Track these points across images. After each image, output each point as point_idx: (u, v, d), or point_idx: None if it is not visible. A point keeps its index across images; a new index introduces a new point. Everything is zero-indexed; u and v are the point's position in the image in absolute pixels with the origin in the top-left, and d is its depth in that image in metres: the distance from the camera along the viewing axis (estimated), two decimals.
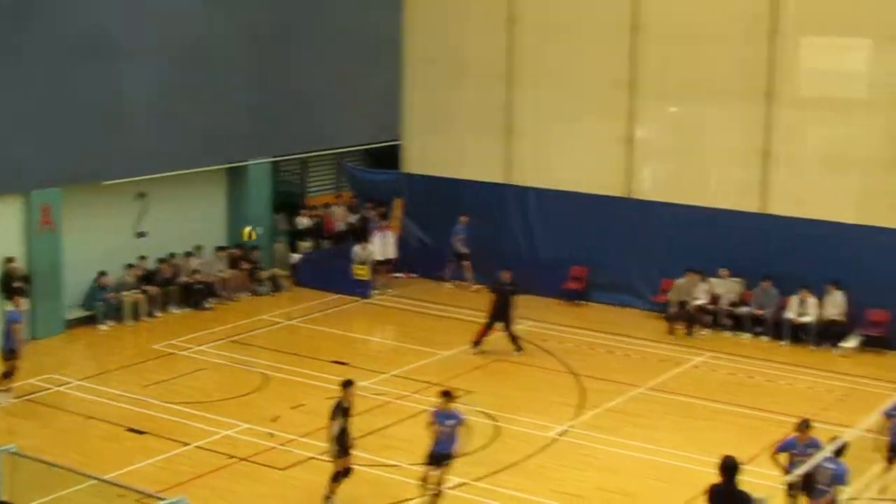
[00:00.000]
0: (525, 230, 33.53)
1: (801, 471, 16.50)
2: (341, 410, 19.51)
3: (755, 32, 29.75)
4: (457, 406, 19.50)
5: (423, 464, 19.25)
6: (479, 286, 31.93)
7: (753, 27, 29.78)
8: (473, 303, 30.55)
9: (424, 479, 19.25)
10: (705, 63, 30.81)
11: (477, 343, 27.88)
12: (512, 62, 33.35)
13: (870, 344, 28.71)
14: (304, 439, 22.26)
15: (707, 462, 20.13)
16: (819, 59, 30.51)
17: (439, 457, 18.99)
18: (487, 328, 27.91)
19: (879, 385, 25.46)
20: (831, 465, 16.46)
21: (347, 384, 19.82)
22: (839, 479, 16.61)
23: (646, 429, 23.27)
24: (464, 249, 32.97)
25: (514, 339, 27.89)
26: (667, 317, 30.12)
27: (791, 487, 17.08)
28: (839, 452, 16.85)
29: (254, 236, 29.05)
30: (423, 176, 35.15)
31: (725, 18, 30.43)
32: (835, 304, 28.97)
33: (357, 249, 33.20)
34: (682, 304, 29.94)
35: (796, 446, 17.48)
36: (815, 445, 17.26)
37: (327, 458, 19.94)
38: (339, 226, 36.82)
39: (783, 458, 17.72)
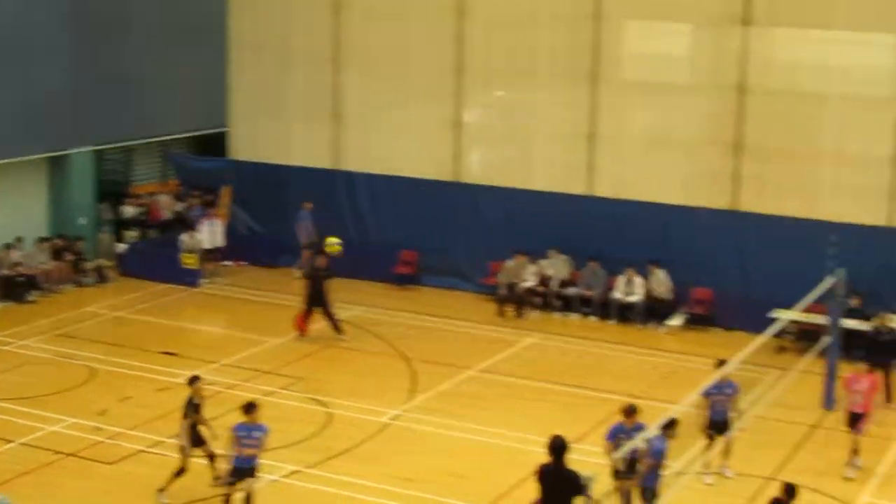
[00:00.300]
0: (354, 216, 33.41)
1: (623, 451, 16.65)
2: (192, 407, 19.26)
3: (579, 16, 30.10)
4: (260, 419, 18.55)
5: (225, 482, 18.39)
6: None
7: (578, 11, 30.12)
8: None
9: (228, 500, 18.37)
10: (531, 47, 31.07)
11: (302, 332, 27.74)
12: (338, 47, 33.20)
13: (694, 322, 29.32)
14: (132, 432, 21.89)
15: (538, 442, 20.34)
16: (642, 42, 31.07)
17: (243, 472, 18.15)
18: (307, 315, 27.78)
19: (703, 362, 25.92)
20: (655, 442, 16.67)
21: (193, 380, 19.58)
22: (656, 454, 16.82)
23: (477, 410, 23.40)
24: (308, 238, 32.45)
25: (334, 323, 27.80)
26: (496, 299, 30.34)
27: (618, 473, 17.27)
28: (667, 427, 17.09)
29: (336, 249, 27.50)
30: (250, 163, 34.78)
31: (550, 2, 30.74)
32: (658, 283, 29.52)
33: (184, 238, 32.74)
34: (512, 286, 30.20)
35: (623, 430, 17.66)
36: (641, 429, 17.46)
37: (159, 452, 19.64)
38: (166, 214, 36.27)
39: (612, 445, 17.76)
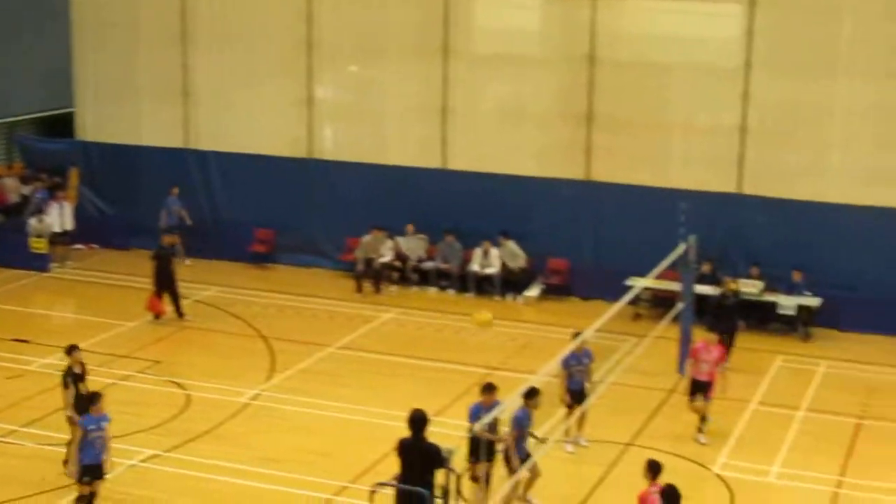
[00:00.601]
0: (207, 195, 33.00)
1: (482, 422, 16.55)
2: (72, 377, 18.90)
3: None
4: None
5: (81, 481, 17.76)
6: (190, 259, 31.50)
7: None
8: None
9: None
10: (382, 21, 30.99)
11: (158, 314, 27.36)
12: (186, 25, 32.68)
13: (551, 292, 29.59)
14: None
15: (398, 417, 20.34)
16: (492, 16, 31.14)
17: (94, 469, 17.63)
18: (158, 296, 27.39)
19: (560, 331, 26.19)
20: (516, 412, 16.71)
21: (72, 349, 19.37)
22: (518, 423, 16.88)
23: (337, 387, 23.34)
24: (171, 222, 31.64)
25: (177, 305, 27.48)
26: (354, 275, 30.26)
27: (474, 454, 17.05)
28: (529, 396, 17.13)
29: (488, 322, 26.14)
30: (99, 144, 34.13)
31: None
32: (510, 255, 29.71)
33: (33, 222, 31.98)
34: (369, 261, 30.14)
35: (483, 409, 17.54)
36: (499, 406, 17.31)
37: (13, 441, 19.23)
38: (12, 198, 35.31)
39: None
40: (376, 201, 31.08)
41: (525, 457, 17.31)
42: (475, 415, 17.35)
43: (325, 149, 32.09)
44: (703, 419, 21.25)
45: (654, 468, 15.18)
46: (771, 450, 20.70)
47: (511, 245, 29.81)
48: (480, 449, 16.65)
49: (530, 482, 18.04)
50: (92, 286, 30.47)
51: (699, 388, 21.20)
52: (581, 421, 20.66)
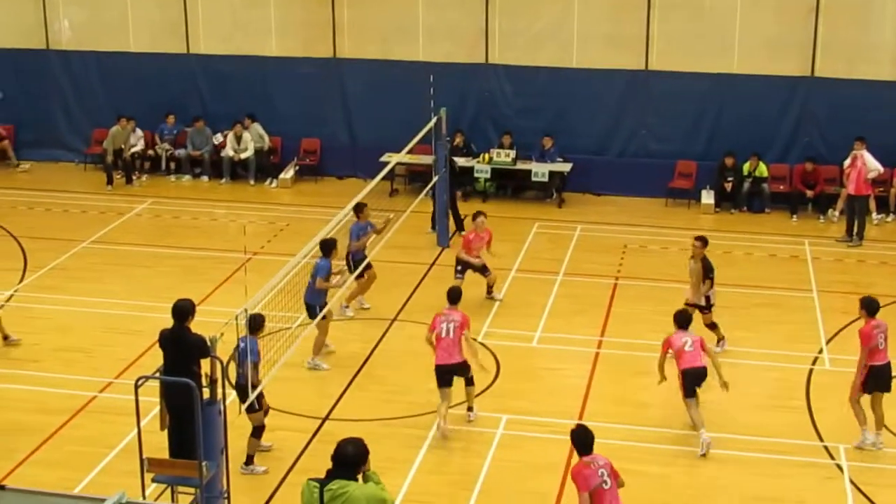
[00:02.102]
0: None
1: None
2: None
3: None
4: None
5: None
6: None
7: None
8: None
9: None
10: None
11: None
12: None
13: (305, 173, 29.46)
14: None
15: (160, 308, 20.10)
16: None
17: None
18: None
19: (316, 211, 26.18)
20: (241, 343, 16.03)
21: None
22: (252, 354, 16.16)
23: (94, 283, 22.85)
24: None
25: None
26: (104, 167, 29.50)
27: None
28: (252, 329, 16.42)
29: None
30: None
31: None
32: (257, 137, 29.42)
33: None
34: (118, 152, 29.40)
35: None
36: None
37: None
38: None
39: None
40: (121, 90, 30.28)
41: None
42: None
43: (63, 38, 31.03)
44: (490, 287, 22.01)
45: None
46: (533, 315, 21.17)
47: (256, 127, 29.49)
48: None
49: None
50: None
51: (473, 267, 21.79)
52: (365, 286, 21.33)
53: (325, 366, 19.25)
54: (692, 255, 19.52)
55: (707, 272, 19.23)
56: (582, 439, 13.06)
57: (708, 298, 19.35)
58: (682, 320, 17.02)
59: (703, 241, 19.51)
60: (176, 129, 30.12)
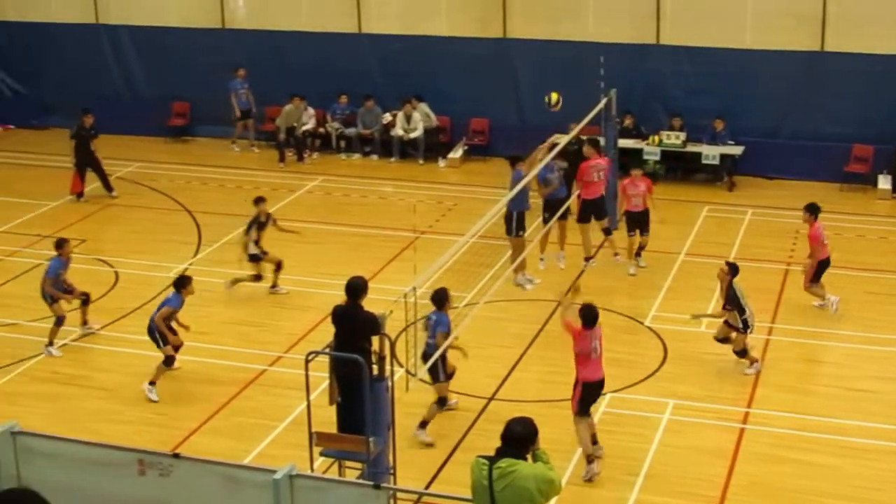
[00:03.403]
0: (122, 71, 32.50)
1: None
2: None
3: None
4: None
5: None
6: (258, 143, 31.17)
7: None
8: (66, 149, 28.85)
9: None
10: None
11: (80, 194, 26.97)
12: None
13: (473, 153, 29.53)
14: None
15: (329, 285, 20.45)
16: None
17: None
18: (80, 176, 26.98)
19: (484, 191, 26.25)
20: (433, 316, 16.30)
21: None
22: (441, 326, 16.48)
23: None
24: (243, 106, 30.92)
25: (104, 181, 27.12)
26: (276, 145, 29.97)
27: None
28: (439, 304, 16.70)
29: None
30: (7, 22, 33.35)
31: None
32: (424, 117, 29.54)
33: None
34: (291, 130, 29.84)
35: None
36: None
37: None
38: None
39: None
40: (293, 68, 30.67)
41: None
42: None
43: (237, 17, 31.58)
44: (640, 249, 22.25)
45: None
46: (701, 298, 20.91)
47: (423, 107, 29.63)
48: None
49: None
50: (11, 167, 29.99)
51: (635, 221, 22.16)
52: (562, 233, 22.40)
53: (534, 280, 21.18)
54: (718, 277, 18.59)
55: (729, 301, 18.09)
56: (588, 313, 15.32)
57: (745, 322, 18.10)
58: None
59: (732, 268, 18.29)
60: (348, 108, 30.41)
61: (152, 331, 18.02)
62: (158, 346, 17.95)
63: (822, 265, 20.39)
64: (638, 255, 22.33)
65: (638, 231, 22.22)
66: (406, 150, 29.84)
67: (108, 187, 27.13)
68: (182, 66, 31.81)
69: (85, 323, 19.98)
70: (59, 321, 19.40)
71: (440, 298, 16.20)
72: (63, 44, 32.58)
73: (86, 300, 19.87)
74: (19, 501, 6.76)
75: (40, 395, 18.04)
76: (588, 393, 15.53)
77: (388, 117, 29.91)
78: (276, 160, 29.64)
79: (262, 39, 31.09)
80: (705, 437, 16.35)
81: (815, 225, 20.16)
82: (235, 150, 30.86)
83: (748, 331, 18.21)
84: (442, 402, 16.54)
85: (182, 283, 18.31)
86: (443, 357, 16.13)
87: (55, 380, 18.50)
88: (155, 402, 17.70)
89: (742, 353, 18.35)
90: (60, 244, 19.68)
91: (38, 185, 28.11)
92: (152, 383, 17.89)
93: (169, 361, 17.98)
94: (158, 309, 18.06)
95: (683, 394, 17.64)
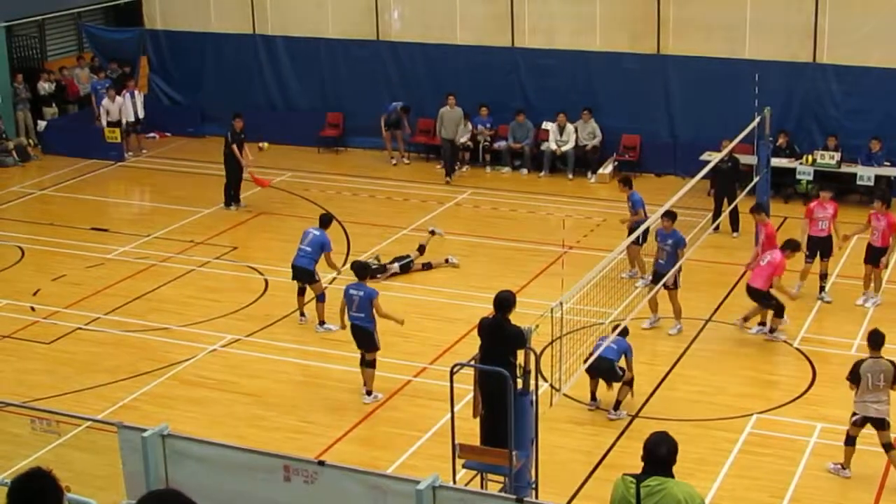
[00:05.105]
0: (277, 80, 33.00)
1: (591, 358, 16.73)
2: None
3: None
4: None
5: None
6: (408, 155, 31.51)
7: None
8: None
9: None
10: None
11: (237, 201, 27.41)
12: None
13: (623, 168, 29.36)
14: (67, 311, 21.67)
15: (476, 298, 20.52)
16: None
17: None
18: (236, 183, 27.37)
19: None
20: (613, 346, 17.28)
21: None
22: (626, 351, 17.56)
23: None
24: (392, 116, 30.92)
25: (236, 191, 27.52)
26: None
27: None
28: (622, 333, 17.53)
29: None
30: (167, 31, 34.12)
31: None
32: (591, 132, 29.43)
33: (103, 110, 31.99)
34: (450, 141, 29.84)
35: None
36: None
37: (95, 328, 19.54)
38: (84, 88, 35.47)
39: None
40: (444, 81, 30.78)
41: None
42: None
43: (392, 29, 31.86)
44: (823, 277, 21.63)
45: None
46: (853, 321, 20.50)
47: (593, 123, 29.43)
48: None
49: None
50: (166, 174, 30.64)
51: (818, 246, 21.46)
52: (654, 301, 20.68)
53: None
54: None
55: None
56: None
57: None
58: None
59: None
60: (488, 120, 30.38)
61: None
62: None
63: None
64: (822, 288, 21.65)
65: (819, 255, 21.51)
66: (556, 164, 29.78)
67: (234, 199, 27.50)
68: (336, 77, 32.20)
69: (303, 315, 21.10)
70: (321, 297, 20.58)
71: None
72: (220, 53, 33.22)
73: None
74: (167, 501, 6.94)
75: (190, 399, 18.40)
76: None
77: (554, 128, 29.63)
78: (427, 172, 29.82)
79: (413, 50, 31.30)
80: (854, 463, 16.02)
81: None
82: (405, 162, 31.06)
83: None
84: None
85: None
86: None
87: (205, 384, 18.85)
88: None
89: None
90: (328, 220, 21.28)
91: (193, 191, 28.68)
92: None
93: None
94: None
95: (832, 417, 17.32)
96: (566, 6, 30.03)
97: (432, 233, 23.96)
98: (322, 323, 20.63)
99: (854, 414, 15.68)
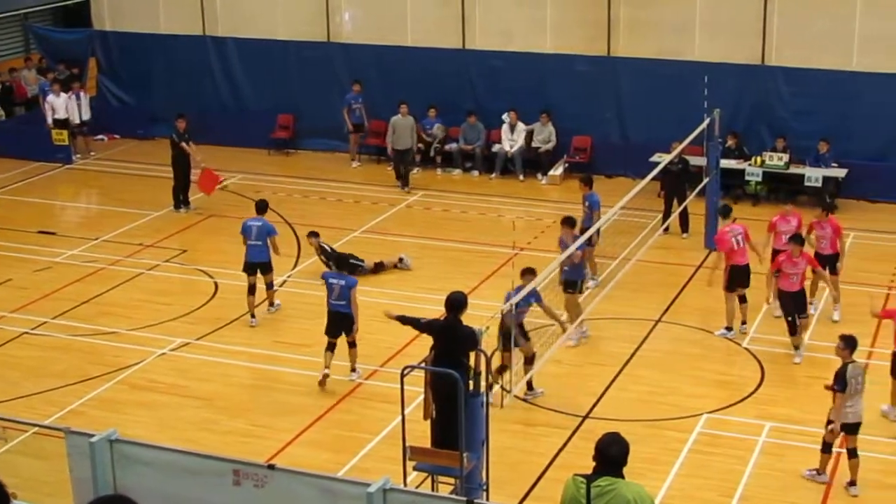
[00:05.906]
0: (228, 82, 32.83)
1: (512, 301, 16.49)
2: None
3: None
4: None
5: None
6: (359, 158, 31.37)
7: None
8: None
9: None
10: None
11: (187, 204, 27.25)
12: None
13: (574, 170, 29.41)
14: (13, 315, 21.46)
15: (427, 299, 20.49)
16: None
17: None
18: (185, 185, 27.23)
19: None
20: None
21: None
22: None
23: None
24: (356, 121, 30.90)
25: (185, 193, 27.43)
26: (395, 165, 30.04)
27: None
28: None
29: None
30: (116, 32, 33.88)
31: None
32: (547, 135, 29.42)
33: (48, 110, 31.60)
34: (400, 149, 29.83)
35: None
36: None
37: (43, 332, 19.36)
38: (32, 90, 35.18)
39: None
40: (396, 83, 30.74)
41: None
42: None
43: (343, 31, 31.79)
44: (836, 291, 20.80)
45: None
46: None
47: (550, 126, 29.40)
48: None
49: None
50: (115, 176, 30.43)
51: (823, 263, 20.56)
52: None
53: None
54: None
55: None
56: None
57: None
58: None
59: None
60: (436, 121, 30.33)
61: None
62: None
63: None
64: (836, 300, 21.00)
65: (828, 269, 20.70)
66: (507, 166, 29.80)
67: (183, 202, 27.37)
68: (287, 79, 32.09)
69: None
70: (272, 285, 21.49)
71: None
72: (170, 55, 33.02)
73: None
74: None
75: (139, 403, 18.28)
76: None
77: (506, 128, 29.62)
78: (378, 174, 29.76)
79: (364, 52, 31.24)
80: (802, 461, 16.12)
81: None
82: (355, 165, 30.95)
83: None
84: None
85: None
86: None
87: (154, 388, 18.73)
88: None
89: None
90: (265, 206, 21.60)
91: (142, 194, 28.48)
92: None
93: None
94: None
95: (781, 416, 17.44)
96: (518, 9, 30.07)
97: (401, 260, 23.65)
98: (272, 304, 21.48)
99: (829, 422, 15.47)
